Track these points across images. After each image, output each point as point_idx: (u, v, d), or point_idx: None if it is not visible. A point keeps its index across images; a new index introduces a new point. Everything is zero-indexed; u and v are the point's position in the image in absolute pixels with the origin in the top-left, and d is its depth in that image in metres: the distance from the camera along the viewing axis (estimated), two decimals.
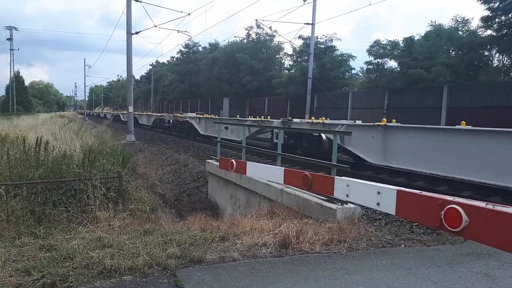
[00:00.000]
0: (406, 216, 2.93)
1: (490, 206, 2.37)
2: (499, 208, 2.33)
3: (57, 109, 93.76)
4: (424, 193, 2.70)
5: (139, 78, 78.68)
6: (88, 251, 3.92)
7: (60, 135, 15.15)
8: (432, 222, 2.50)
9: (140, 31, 21.83)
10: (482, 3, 21.31)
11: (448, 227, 2.40)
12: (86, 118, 57.48)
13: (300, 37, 31.51)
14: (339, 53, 30.91)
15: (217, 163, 9.01)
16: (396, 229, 5.10)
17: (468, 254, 4.24)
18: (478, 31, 24.32)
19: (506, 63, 26.60)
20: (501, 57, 26.44)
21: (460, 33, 25.70)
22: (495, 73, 24.67)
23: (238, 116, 18.50)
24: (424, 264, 3.94)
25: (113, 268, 3.54)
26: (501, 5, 20.80)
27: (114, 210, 6.02)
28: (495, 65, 27.07)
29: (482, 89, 17.64)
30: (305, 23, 25.74)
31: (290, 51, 37.89)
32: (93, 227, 5.13)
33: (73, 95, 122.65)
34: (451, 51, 24.74)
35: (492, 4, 21.08)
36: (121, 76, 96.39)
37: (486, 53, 25.17)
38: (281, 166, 6.50)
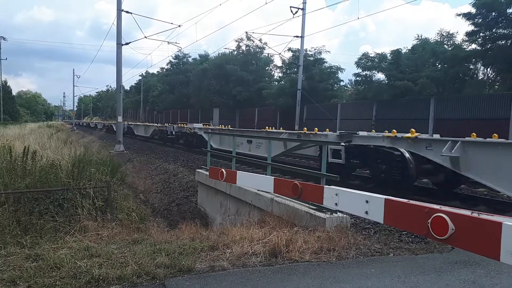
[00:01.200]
0: (394, 224, 2.97)
1: (475, 215, 2.43)
2: (484, 216, 2.39)
3: (45, 119, 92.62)
4: (411, 202, 2.75)
5: (128, 89, 78.46)
6: (76, 261, 3.87)
7: (48, 144, 14.98)
8: (420, 230, 2.54)
9: (130, 42, 21.83)
10: (466, 19, 21.89)
11: (435, 235, 2.45)
12: (75, 128, 56.95)
13: (289, 49, 31.85)
14: (328, 65, 31.34)
15: (207, 173, 9.00)
16: (384, 238, 5.14)
17: (455, 262, 4.29)
18: (462, 45, 24.95)
19: (491, 76, 27.29)
20: (486, 70, 27.12)
21: (446, 46, 26.32)
22: (480, 86, 25.24)
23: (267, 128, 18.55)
24: (412, 272, 3.98)
25: (101, 277, 3.51)
26: (484, 21, 21.41)
27: (102, 220, 5.96)
28: (480, 78, 27.73)
29: (468, 101, 18.00)
30: (294, 36, 26.08)
31: (279, 63, 38.31)
32: (80, 237, 5.07)
33: (62, 105, 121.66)
34: (437, 64, 25.30)
35: (476, 20, 21.67)
36: (110, 86, 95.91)
37: (472, 66, 25.79)
38: (272, 175, 6.52)
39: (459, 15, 22.08)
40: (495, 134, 7.96)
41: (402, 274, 3.90)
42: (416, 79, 22.07)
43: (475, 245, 2.30)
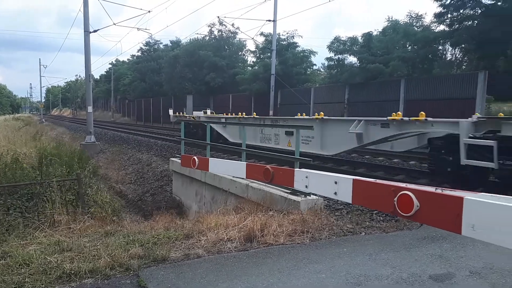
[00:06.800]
0: (362, 203, 3.04)
1: (439, 191, 2.49)
2: (447, 192, 2.45)
3: (11, 112, 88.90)
4: (378, 181, 2.80)
5: (98, 78, 76.19)
6: (46, 256, 3.77)
7: (15, 138, 14.44)
8: (387, 208, 2.60)
9: (98, 29, 21.11)
10: (435, 0, 22.23)
11: (401, 212, 2.51)
12: (43, 120, 55.05)
13: (262, 34, 31.65)
14: (301, 49, 31.34)
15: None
16: (356, 218, 5.26)
17: (424, 238, 4.45)
18: (431, 26, 25.43)
19: (459, 56, 28.04)
20: (453, 51, 27.82)
21: (415, 28, 26.78)
22: (449, 66, 25.94)
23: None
24: (383, 249, 4.10)
25: (72, 272, 3.44)
26: (452, 2, 21.82)
27: (74, 213, 5.83)
28: (448, 58, 28.44)
29: (436, 81, 18.41)
30: (266, 20, 25.87)
31: (253, 48, 38.02)
32: (51, 231, 4.94)
33: (29, 96, 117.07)
34: (407, 45, 25.73)
35: (444, 1, 22.04)
36: (79, 76, 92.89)
37: (440, 47, 26.38)
38: (246, 161, 6.53)
39: None
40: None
41: (373, 252, 4.01)
42: (387, 61, 22.38)
43: (438, 220, 2.38)
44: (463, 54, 26.40)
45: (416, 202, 2.45)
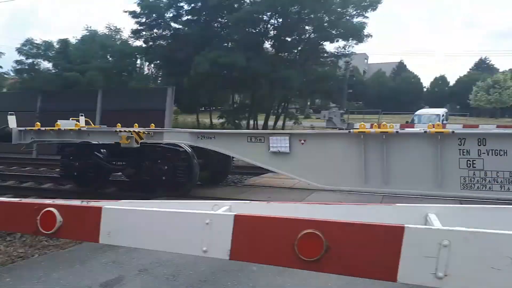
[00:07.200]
0: (2, 228, 2.79)
1: (84, 203, 2.57)
2: (91, 203, 2.57)
3: None
4: (23, 200, 2.65)
5: None
6: None
7: None
8: (29, 229, 2.49)
9: None
10: (132, 17, 23.56)
11: (43, 231, 2.45)
12: None
13: None
14: None
15: None
16: (31, 240, 4.81)
17: (101, 247, 4.52)
18: (129, 40, 26.82)
19: (154, 71, 30.87)
20: (149, 66, 30.38)
21: (115, 41, 27.52)
22: (145, 79, 28.08)
23: None
24: (56, 268, 3.90)
25: None
26: (147, 21, 23.77)
27: None
28: (145, 72, 30.80)
29: (133, 93, 19.55)
30: None
31: None
32: None
33: None
34: (107, 57, 26.07)
35: (140, 19, 23.71)
36: None
37: (138, 61, 28.22)
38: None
39: (126, 11, 23.31)
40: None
41: (44, 274, 3.76)
42: (85, 71, 21.94)
43: (80, 233, 2.46)
44: (156, 70, 29.28)
45: (59, 217, 2.45)
